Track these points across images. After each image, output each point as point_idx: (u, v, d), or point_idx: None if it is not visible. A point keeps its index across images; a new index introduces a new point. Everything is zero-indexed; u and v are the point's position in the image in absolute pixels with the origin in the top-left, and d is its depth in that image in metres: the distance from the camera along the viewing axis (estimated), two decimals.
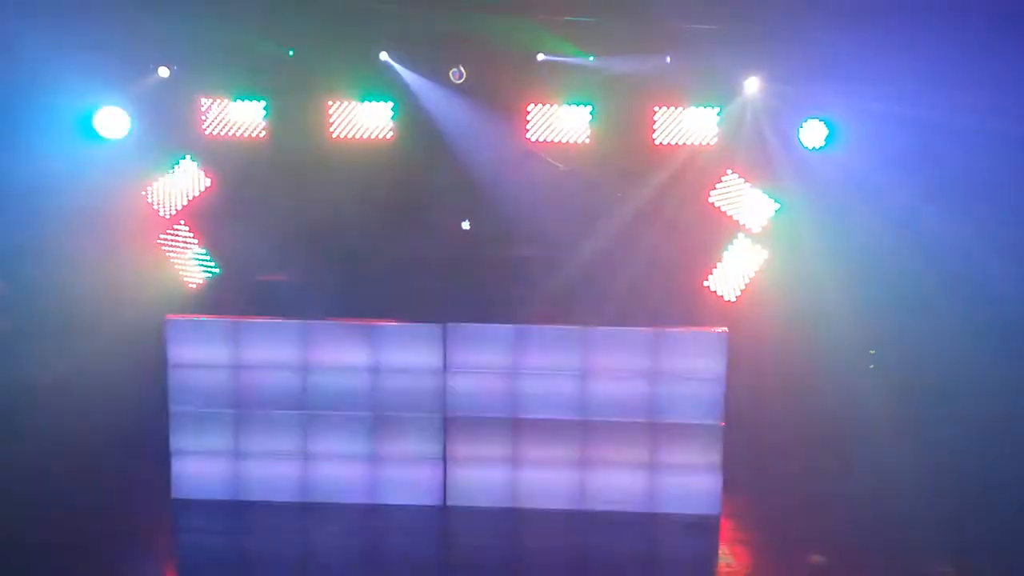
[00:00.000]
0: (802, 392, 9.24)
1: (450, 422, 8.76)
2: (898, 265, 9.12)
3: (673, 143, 9.62)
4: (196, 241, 9.99)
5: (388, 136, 9.69)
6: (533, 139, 9.64)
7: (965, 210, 8.96)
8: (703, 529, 8.45)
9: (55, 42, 8.87)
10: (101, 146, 9.53)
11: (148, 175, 9.83)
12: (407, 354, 8.75)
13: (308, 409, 8.81)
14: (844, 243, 9.26)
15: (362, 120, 9.67)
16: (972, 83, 8.83)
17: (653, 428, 8.68)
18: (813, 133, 9.39)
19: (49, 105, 9.27)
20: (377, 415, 8.78)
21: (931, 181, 8.97)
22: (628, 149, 9.63)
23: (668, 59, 9.32)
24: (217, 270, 9.99)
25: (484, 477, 8.78)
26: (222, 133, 9.75)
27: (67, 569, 7.43)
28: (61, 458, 8.83)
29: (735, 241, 9.73)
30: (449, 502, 8.79)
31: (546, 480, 8.75)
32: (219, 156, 9.81)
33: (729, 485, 8.67)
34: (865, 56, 8.95)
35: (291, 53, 9.47)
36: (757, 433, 9.14)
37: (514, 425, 8.74)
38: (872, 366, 9.36)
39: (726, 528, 8.53)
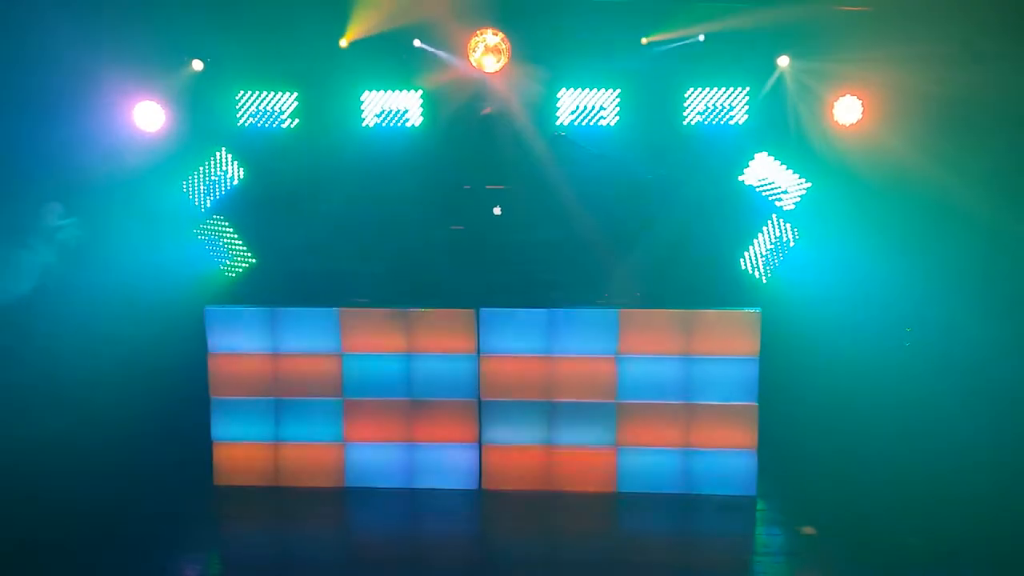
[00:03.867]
0: (837, 371, 9.17)
1: (485, 406, 8.84)
2: (932, 243, 9.02)
3: (704, 123, 9.59)
4: (233, 232, 10.15)
5: (418, 123, 9.78)
6: (563, 122, 9.66)
7: (1001, 186, 8.82)
8: (738, 510, 8.45)
9: (91, 38, 9.05)
10: (139, 140, 9.71)
11: (185, 167, 10.01)
12: (441, 339, 8.84)
13: (345, 395, 8.93)
14: (878, 221, 9.17)
15: (393, 108, 9.77)
16: (1007, 60, 8.70)
17: (688, 409, 8.68)
18: (846, 110, 9.29)
19: (87, 100, 9.45)
20: (413, 400, 8.89)
21: (966, 157, 8.84)
22: (659, 130, 9.61)
23: (702, 37, 9.28)
24: (254, 260, 10.14)
25: (519, 460, 8.85)
26: (257, 124, 9.90)
27: (111, 557, 7.60)
28: (103, 446, 9.06)
29: (768, 221, 9.68)
30: (484, 486, 8.88)
31: (581, 462, 8.80)
32: (254, 147, 9.95)
33: (764, 466, 8.66)
34: (899, 31, 8.84)
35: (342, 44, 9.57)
36: (792, 413, 9.13)
37: (548, 409, 8.80)
38: (908, 344, 9.25)
39: (761, 509, 8.52)
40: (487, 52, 9.30)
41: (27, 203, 9.41)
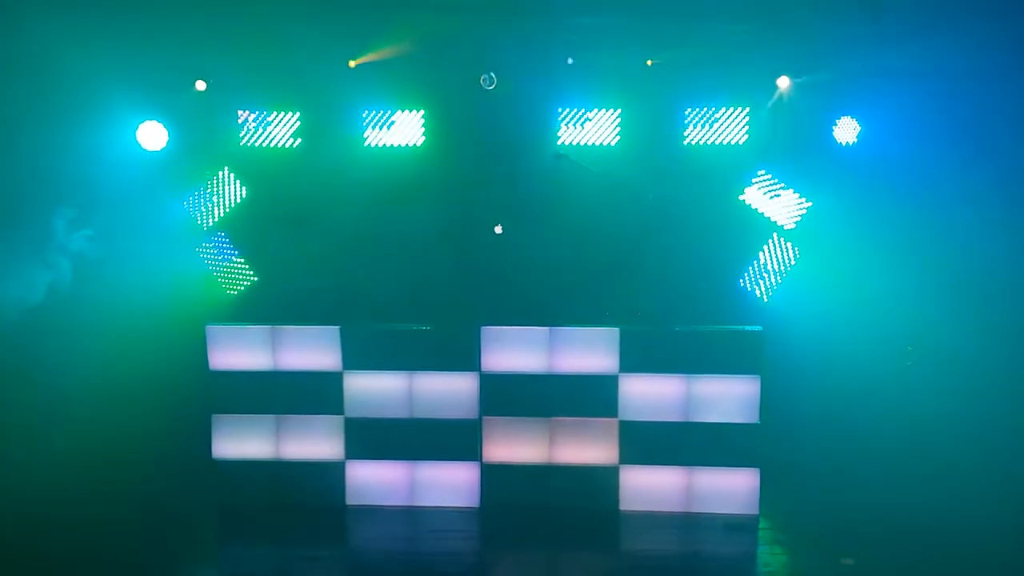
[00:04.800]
0: (839, 389, 9.17)
1: (486, 423, 8.83)
2: (933, 261, 9.04)
3: (704, 143, 9.64)
4: (235, 251, 10.18)
5: (420, 143, 9.83)
6: (564, 142, 9.72)
7: (1000, 205, 8.86)
8: (741, 529, 8.41)
9: (95, 59, 9.12)
10: (142, 159, 9.77)
11: (188, 186, 10.06)
12: (442, 357, 8.84)
13: (347, 413, 8.92)
14: (879, 239, 9.20)
15: (395, 128, 9.83)
16: (1007, 75, 8.76)
17: (690, 428, 8.66)
18: (845, 130, 9.35)
19: (91, 120, 9.52)
20: (413, 418, 8.88)
21: (964, 176, 8.88)
22: (659, 150, 9.66)
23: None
24: (256, 278, 10.17)
25: (520, 478, 8.83)
26: (258, 144, 9.96)
27: (111, 575, 7.57)
28: (104, 463, 9.05)
29: (768, 240, 9.71)
30: (486, 503, 8.85)
31: (582, 480, 8.78)
32: (256, 166, 10.00)
33: (766, 484, 8.63)
34: (897, 51, 8.91)
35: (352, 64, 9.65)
36: (794, 432, 9.11)
37: (550, 426, 8.79)
38: (910, 363, 9.26)
39: (764, 528, 8.49)
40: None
41: (35, 218, 9.44)
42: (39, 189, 9.41)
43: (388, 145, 9.88)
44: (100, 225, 9.62)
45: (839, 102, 9.33)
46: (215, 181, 10.11)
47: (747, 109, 9.54)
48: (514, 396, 8.77)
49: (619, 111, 9.67)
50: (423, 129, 9.85)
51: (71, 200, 9.52)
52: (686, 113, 9.65)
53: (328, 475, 8.95)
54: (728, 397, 8.60)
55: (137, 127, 9.75)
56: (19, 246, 9.30)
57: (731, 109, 9.58)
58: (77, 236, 9.47)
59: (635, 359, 8.66)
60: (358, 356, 8.88)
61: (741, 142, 9.61)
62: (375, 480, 8.94)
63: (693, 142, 9.66)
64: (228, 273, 10.19)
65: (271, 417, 8.95)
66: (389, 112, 9.84)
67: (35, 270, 9.32)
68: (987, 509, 8.14)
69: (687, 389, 8.64)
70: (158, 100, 9.71)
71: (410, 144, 9.87)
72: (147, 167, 9.78)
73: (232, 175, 10.10)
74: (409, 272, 9.74)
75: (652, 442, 8.68)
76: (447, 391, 8.83)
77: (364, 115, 9.87)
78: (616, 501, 8.76)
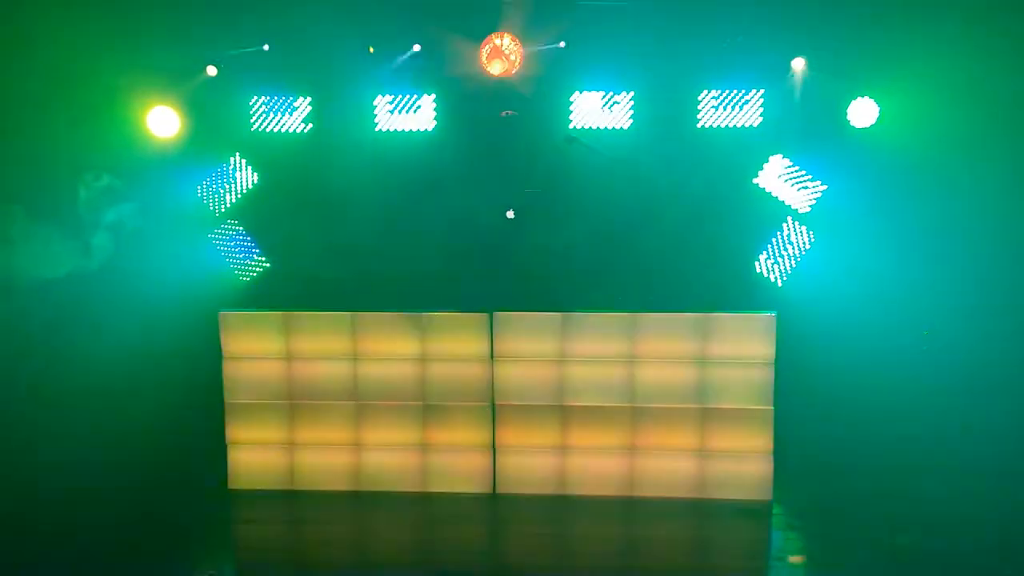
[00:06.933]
0: (853, 374, 9.10)
1: (499, 410, 8.83)
2: (949, 244, 8.96)
3: (718, 126, 9.54)
4: (247, 236, 10.17)
5: (432, 128, 9.77)
6: (576, 126, 9.64)
7: (1020, 192, 8.76)
8: (754, 515, 8.39)
9: (107, 46, 9.11)
10: (153, 145, 9.75)
11: (199, 172, 10.05)
12: (455, 343, 8.83)
13: (359, 399, 8.93)
14: (894, 223, 9.11)
15: (406, 112, 9.78)
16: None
17: (703, 414, 8.64)
18: (862, 112, 9.23)
19: (101, 107, 9.52)
20: (427, 404, 8.88)
21: (982, 159, 8.78)
22: (672, 132, 9.57)
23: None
24: (268, 264, 10.16)
25: (533, 465, 8.83)
26: (270, 129, 9.92)
27: (125, 560, 7.62)
28: (118, 449, 9.10)
29: (783, 223, 9.63)
30: (499, 490, 8.86)
31: (595, 467, 8.77)
32: (268, 152, 9.97)
33: (780, 471, 8.60)
34: (914, 33, 8.79)
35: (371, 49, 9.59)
36: (808, 418, 9.06)
37: (562, 412, 8.77)
38: (925, 347, 9.17)
39: (777, 514, 8.47)
40: (496, 55, 9.29)
41: (54, 195, 9.48)
42: (59, 170, 9.46)
43: (400, 130, 9.82)
44: (112, 212, 9.65)
45: (856, 84, 9.19)
46: (227, 167, 10.09)
47: (762, 91, 9.43)
48: (527, 382, 8.76)
49: (632, 94, 9.58)
50: (435, 114, 9.79)
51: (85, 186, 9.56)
52: (700, 96, 9.53)
53: (341, 460, 8.98)
54: (742, 382, 8.57)
55: (149, 113, 9.72)
56: (43, 220, 9.35)
57: (745, 91, 9.46)
58: (114, 210, 9.50)
59: (648, 344, 8.63)
60: (371, 342, 8.88)
61: (755, 125, 9.50)
62: (388, 465, 8.95)
63: (707, 125, 9.56)
64: (240, 259, 10.19)
65: (285, 403, 8.98)
66: (401, 97, 9.78)
67: (58, 244, 9.35)
68: (1002, 495, 8.09)
69: (701, 374, 8.61)
70: (169, 86, 9.67)
71: (422, 129, 9.81)
72: (158, 154, 9.76)
73: (244, 161, 10.08)
74: (421, 257, 9.70)
75: (665, 428, 8.66)
76: (460, 377, 8.83)
77: (375, 99, 9.81)
78: (629, 486, 8.75)
